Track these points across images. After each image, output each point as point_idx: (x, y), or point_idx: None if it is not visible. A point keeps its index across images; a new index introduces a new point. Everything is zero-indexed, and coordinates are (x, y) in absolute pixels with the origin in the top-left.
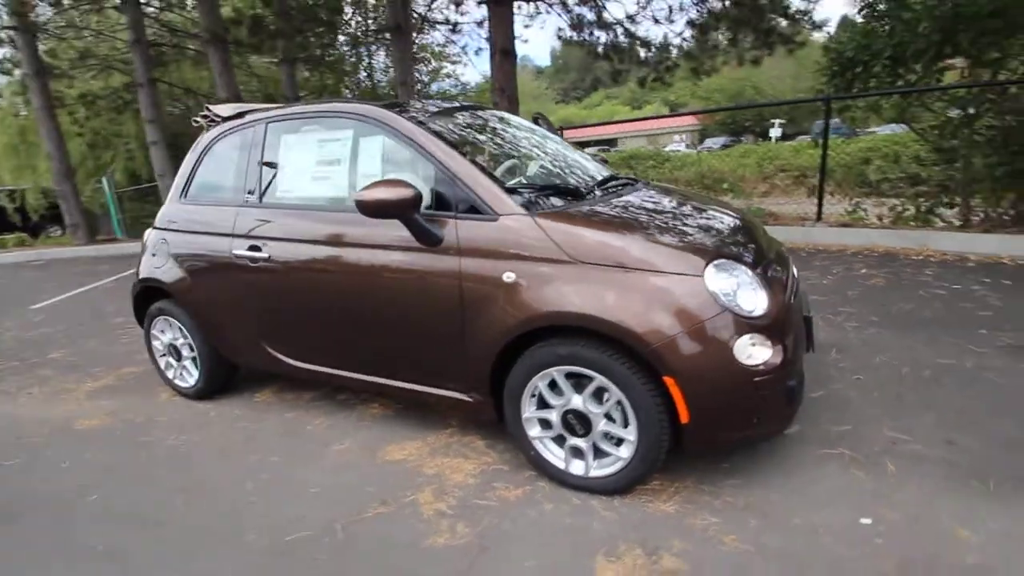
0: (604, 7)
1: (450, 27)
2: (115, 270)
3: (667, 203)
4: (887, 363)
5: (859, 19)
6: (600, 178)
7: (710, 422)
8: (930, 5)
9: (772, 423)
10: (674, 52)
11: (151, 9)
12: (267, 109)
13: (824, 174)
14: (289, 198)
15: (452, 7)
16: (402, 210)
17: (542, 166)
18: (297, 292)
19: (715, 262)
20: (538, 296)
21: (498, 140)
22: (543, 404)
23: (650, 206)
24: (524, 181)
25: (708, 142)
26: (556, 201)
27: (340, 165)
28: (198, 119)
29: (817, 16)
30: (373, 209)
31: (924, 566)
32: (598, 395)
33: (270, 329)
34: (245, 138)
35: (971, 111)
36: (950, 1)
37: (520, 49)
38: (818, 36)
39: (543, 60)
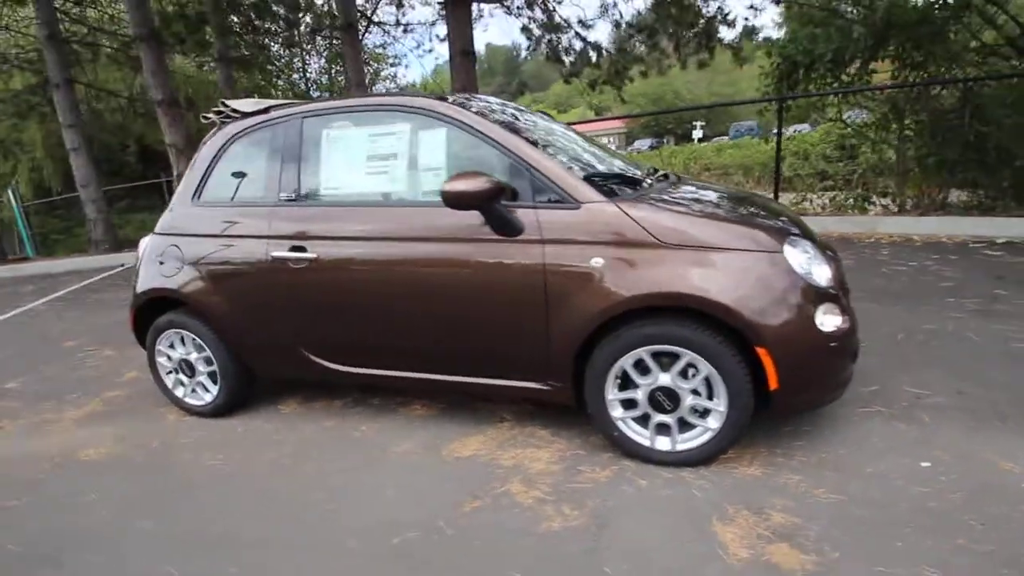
0: (555, 9)
1: (401, 27)
2: (44, 291)
3: (716, 192)
4: (883, 331)
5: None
6: (633, 168)
7: (795, 387)
8: (864, 13)
9: (840, 385)
10: (624, 55)
11: (68, 4)
12: (297, 104)
13: (779, 167)
14: (336, 195)
15: (396, 7)
16: (486, 201)
17: (576, 157)
18: (351, 292)
19: (788, 239)
20: (632, 279)
21: (539, 131)
22: (624, 386)
23: (705, 194)
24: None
25: (636, 144)
26: (626, 189)
27: (397, 159)
28: (209, 115)
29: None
30: (458, 200)
31: (989, 495)
32: (683, 371)
33: (314, 334)
34: (276, 134)
35: (901, 107)
36: (882, 10)
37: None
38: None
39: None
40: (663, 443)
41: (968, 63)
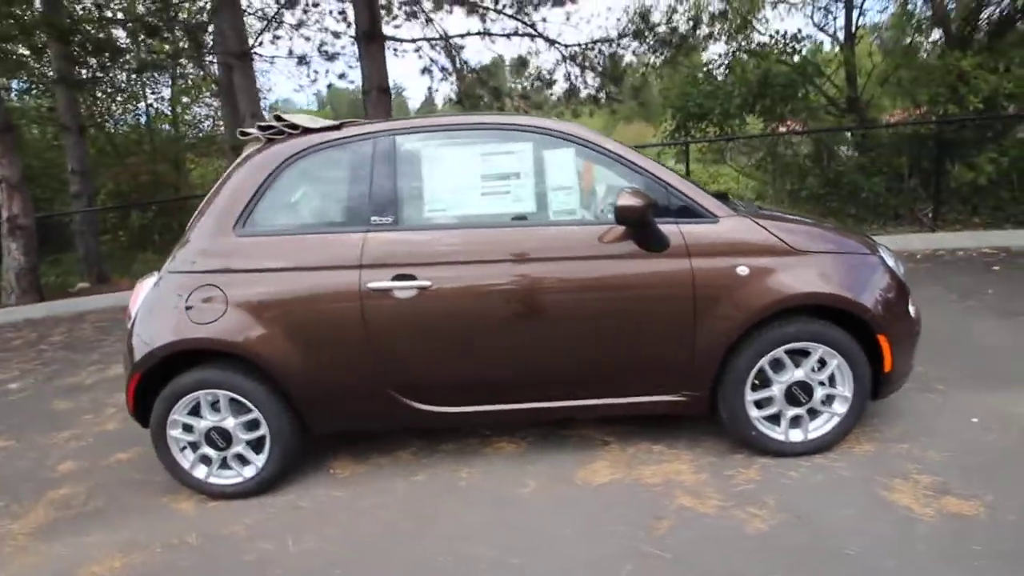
0: (458, 54)
1: (295, 59)
2: None
3: (784, 211)
4: None
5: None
6: None
7: (900, 369)
8: (741, 76)
9: (912, 367)
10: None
11: None
12: (378, 121)
13: None
14: (447, 217)
15: (273, 40)
16: (646, 215)
17: None
18: (473, 320)
19: (877, 244)
20: (778, 284)
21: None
22: (758, 386)
23: (784, 211)
24: None
25: None
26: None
27: (520, 179)
28: (249, 131)
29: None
30: (629, 215)
31: None
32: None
33: (412, 373)
34: (360, 153)
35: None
36: (755, 74)
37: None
38: None
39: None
40: (796, 435)
41: (819, 118)
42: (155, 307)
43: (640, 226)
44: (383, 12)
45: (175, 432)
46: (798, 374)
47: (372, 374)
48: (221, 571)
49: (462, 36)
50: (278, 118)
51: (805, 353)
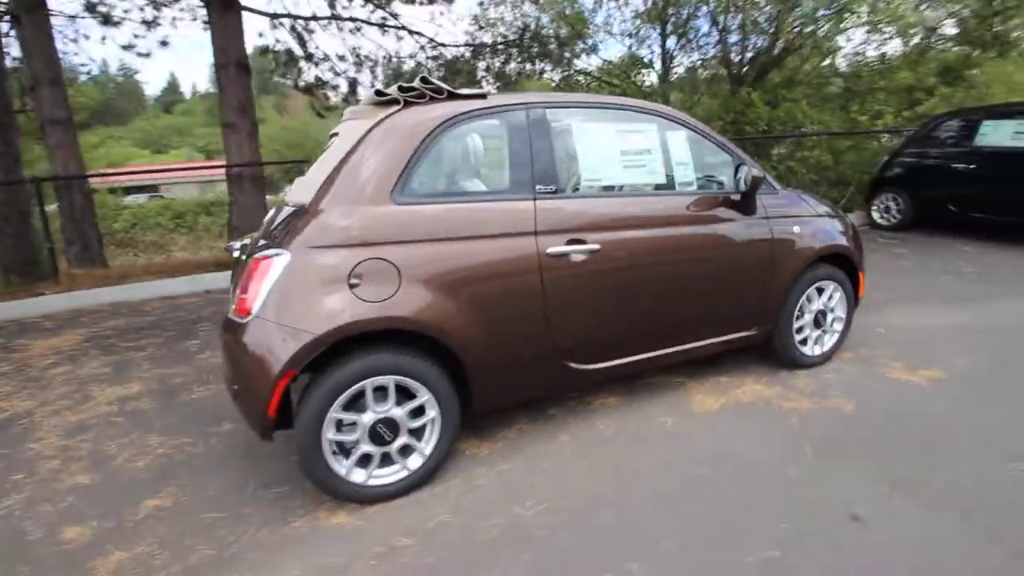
0: (308, 39)
1: (100, 19)
2: None
3: None
4: None
5: None
6: None
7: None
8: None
9: None
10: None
11: None
12: (521, 93)
13: None
14: (601, 186)
15: None
16: (761, 184)
17: None
18: (631, 280)
19: None
20: (814, 239)
21: None
22: (798, 317)
23: None
24: None
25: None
26: None
27: (651, 154)
28: (386, 91)
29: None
30: (757, 184)
31: (966, 328)
32: (825, 296)
33: (576, 335)
34: (516, 123)
35: None
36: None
37: None
38: None
39: None
40: (816, 350)
41: None
42: (301, 288)
43: (751, 194)
44: None
45: (331, 433)
46: (820, 304)
47: (546, 339)
48: (479, 553)
49: (314, 19)
50: (425, 80)
51: (820, 290)
